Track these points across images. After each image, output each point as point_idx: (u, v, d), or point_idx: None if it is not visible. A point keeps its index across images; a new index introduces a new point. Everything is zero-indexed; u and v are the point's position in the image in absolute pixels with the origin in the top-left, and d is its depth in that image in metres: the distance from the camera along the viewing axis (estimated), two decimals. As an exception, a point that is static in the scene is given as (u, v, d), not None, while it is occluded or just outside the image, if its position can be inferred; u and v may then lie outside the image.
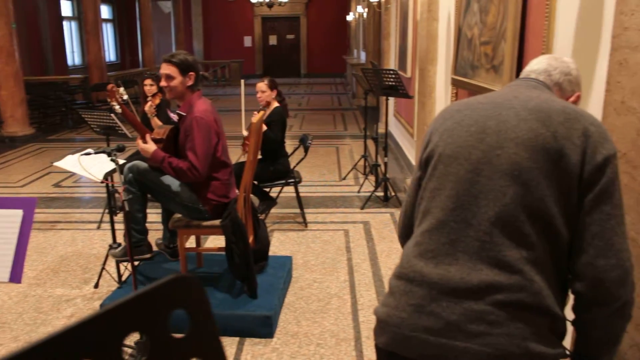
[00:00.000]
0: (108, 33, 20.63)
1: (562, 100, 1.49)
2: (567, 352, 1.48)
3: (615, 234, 1.32)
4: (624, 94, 2.00)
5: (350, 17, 19.50)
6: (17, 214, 2.44)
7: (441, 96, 5.54)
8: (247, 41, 23.23)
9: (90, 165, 3.45)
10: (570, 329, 1.47)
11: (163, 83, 3.32)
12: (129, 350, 3.05)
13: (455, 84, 4.76)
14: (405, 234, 1.63)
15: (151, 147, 3.30)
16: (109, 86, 3.37)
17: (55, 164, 3.71)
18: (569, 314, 1.46)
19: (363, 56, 15.01)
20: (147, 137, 3.32)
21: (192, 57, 3.39)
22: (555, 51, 2.96)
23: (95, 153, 3.20)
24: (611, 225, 1.32)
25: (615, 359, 1.51)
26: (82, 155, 3.24)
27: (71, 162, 3.51)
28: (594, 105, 2.40)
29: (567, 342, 1.52)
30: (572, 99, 1.61)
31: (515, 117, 1.41)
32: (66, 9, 18.19)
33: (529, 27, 3.33)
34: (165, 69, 3.33)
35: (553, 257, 1.36)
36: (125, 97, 3.46)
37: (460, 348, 1.32)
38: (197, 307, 0.54)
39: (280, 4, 19.52)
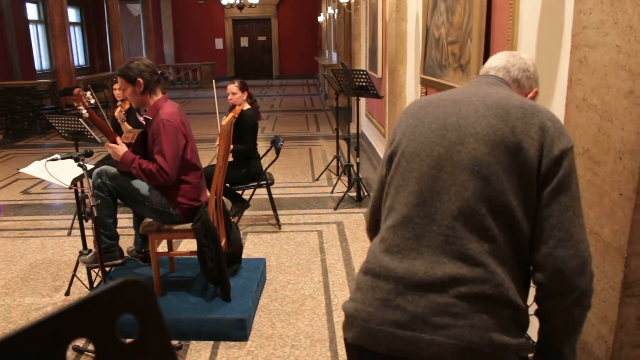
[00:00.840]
0: (76, 37, 20.35)
1: (520, 96, 1.52)
2: (531, 342, 1.51)
3: (573, 225, 1.36)
4: (585, 91, 2.04)
5: (321, 18, 19.53)
6: (-19, 222, 2.40)
7: (411, 96, 5.59)
8: (219, 43, 23.12)
9: (57, 171, 3.40)
10: (534, 320, 1.50)
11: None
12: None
13: (424, 83, 4.81)
14: (374, 229, 1.65)
15: (122, 148, 3.26)
16: (76, 90, 3.32)
17: (22, 170, 3.64)
18: (534, 306, 1.49)
19: (334, 57, 15.05)
20: (118, 139, 3.29)
21: (137, 64, 3.32)
22: (520, 49, 3.01)
23: (62, 158, 3.15)
24: (569, 217, 1.36)
25: (577, 349, 1.54)
26: (48, 161, 3.19)
27: (38, 169, 3.44)
28: (556, 102, 2.44)
29: (533, 333, 1.55)
30: (530, 94, 1.66)
31: (475, 113, 1.44)
32: (32, 12, 17.89)
33: (494, 26, 3.38)
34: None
35: (514, 250, 1.39)
36: (93, 101, 3.41)
37: (426, 340, 1.34)
38: (146, 311, 0.54)
39: (250, 5, 19.48)
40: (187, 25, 22.64)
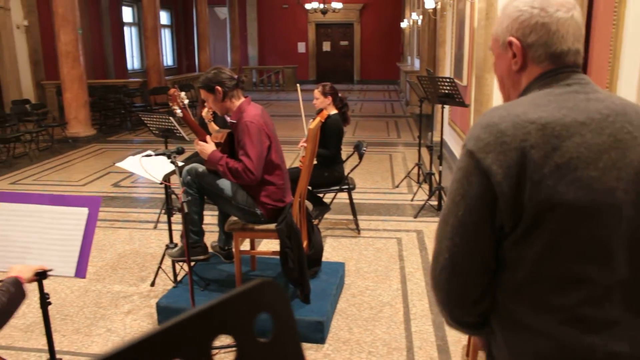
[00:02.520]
0: (166, 38, 21.18)
1: (617, 96, 1.29)
2: None
3: None
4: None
5: (404, 24, 19.39)
6: (83, 212, 2.52)
7: (498, 105, 5.44)
8: (301, 47, 23.41)
9: (150, 167, 3.54)
10: None
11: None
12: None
13: (514, 92, 4.66)
14: (475, 296, 1.26)
15: (210, 147, 3.36)
16: (171, 90, 3.45)
17: (117, 164, 3.82)
18: None
19: (417, 63, 14.89)
20: (208, 138, 3.39)
21: (214, 73, 3.43)
22: (623, 58, 2.86)
23: (156, 155, 3.27)
24: None
25: None
26: (143, 156, 3.32)
27: (132, 163, 3.60)
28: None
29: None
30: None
31: (632, 138, 1.18)
32: (127, 15, 18.80)
33: (595, 33, 3.23)
34: (201, 93, 3.50)
35: None
36: (186, 101, 3.53)
37: None
38: (281, 312, 0.54)
39: (334, 10, 19.62)
40: (271, 28, 23.09)
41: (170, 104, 3.45)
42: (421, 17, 13.54)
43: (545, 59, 1.24)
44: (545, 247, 1.16)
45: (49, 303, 2.68)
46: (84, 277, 2.49)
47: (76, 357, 3.31)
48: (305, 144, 4.77)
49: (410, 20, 16.69)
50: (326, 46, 23.68)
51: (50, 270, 2.31)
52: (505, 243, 1.20)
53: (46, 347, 3.40)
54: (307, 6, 19.96)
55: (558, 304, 1.17)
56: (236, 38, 20.22)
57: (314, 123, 3.52)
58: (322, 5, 18.97)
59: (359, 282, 4.20)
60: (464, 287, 1.23)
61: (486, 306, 1.26)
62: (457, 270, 1.21)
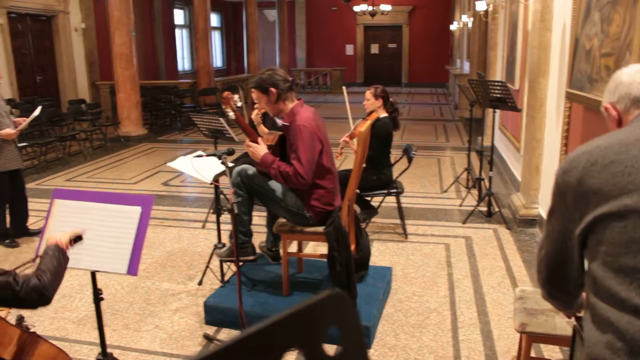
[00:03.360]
0: (216, 40, 21.51)
1: None
2: None
3: None
4: None
5: (454, 27, 19.14)
6: (136, 210, 2.57)
7: (552, 110, 5.29)
8: (349, 49, 23.39)
9: (200, 167, 3.59)
10: None
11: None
12: None
13: (570, 97, 4.53)
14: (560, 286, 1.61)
15: (262, 149, 3.37)
16: (225, 93, 3.49)
17: (169, 164, 3.88)
18: None
19: (467, 66, 14.67)
20: (260, 140, 3.41)
21: (268, 74, 3.42)
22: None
23: (206, 156, 3.31)
24: None
25: None
26: (194, 157, 3.36)
27: (183, 163, 3.66)
28: None
29: None
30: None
31: None
32: (179, 17, 19.18)
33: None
34: (254, 93, 3.49)
35: None
36: (240, 104, 3.57)
37: None
38: (350, 324, 0.52)
39: (382, 12, 19.53)
40: (319, 30, 23.16)
41: (224, 107, 3.48)
42: (472, 19, 13.33)
43: None
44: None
45: (102, 299, 2.75)
46: (135, 274, 2.53)
47: (125, 352, 3.37)
48: (347, 139, 4.77)
49: (460, 22, 16.46)
50: (374, 48, 23.59)
51: (83, 233, 2.35)
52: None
53: (97, 341, 3.48)
54: (356, 8, 19.92)
55: (624, 296, 1.34)
56: (285, 40, 20.36)
57: (365, 126, 3.49)
58: (370, 8, 18.91)
59: (406, 288, 4.15)
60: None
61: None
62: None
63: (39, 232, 5.30)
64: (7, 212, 5.33)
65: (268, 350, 0.47)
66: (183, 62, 19.49)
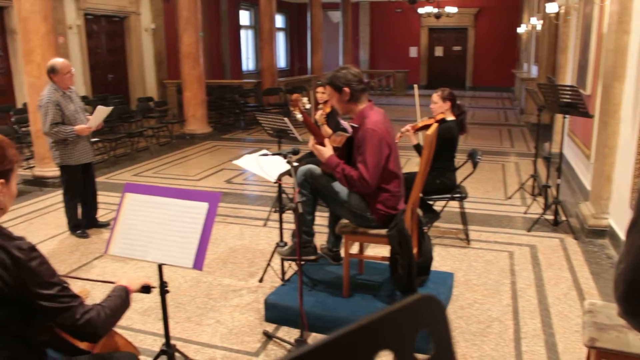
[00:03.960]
0: (280, 41, 21.74)
1: None
2: None
3: None
4: None
5: (521, 29, 18.65)
6: (203, 206, 2.63)
7: (627, 116, 5.08)
8: (413, 52, 23.17)
9: (265, 166, 3.63)
10: None
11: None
12: None
13: (648, 103, 4.33)
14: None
15: (328, 151, 3.37)
16: (295, 96, 3.52)
17: (234, 162, 3.95)
18: None
19: (534, 70, 14.27)
20: (327, 141, 3.41)
21: (344, 73, 3.35)
22: None
23: (272, 155, 3.35)
24: None
25: None
26: (260, 155, 3.41)
27: (249, 162, 3.71)
28: None
29: None
30: None
31: None
32: (244, 18, 19.50)
33: None
34: (326, 89, 3.48)
35: None
36: (308, 106, 3.59)
37: None
38: (441, 329, 0.51)
39: (448, 15, 19.25)
40: (383, 32, 23.05)
41: (292, 109, 3.51)
42: (541, 21, 12.95)
43: None
44: None
45: (167, 291, 2.81)
46: (200, 269, 2.58)
47: (187, 344, 3.45)
48: (410, 129, 4.74)
49: (529, 25, 16.03)
50: (438, 51, 23.27)
51: (153, 287, 2.40)
52: None
53: (160, 332, 3.58)
54: (420, 10, 19.71)
55: None
56: (348, 42, 20.36)
57: (431, 129, 3.44)
58: (435, 10, 18.68)
59: (468, 295, 4.07)
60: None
61: None
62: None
63: (107, 224, 5.51)
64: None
65: (357, 352, 0.46)
66: (247, 62, 19.80)
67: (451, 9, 19.16)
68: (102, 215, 5.80)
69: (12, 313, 1.74)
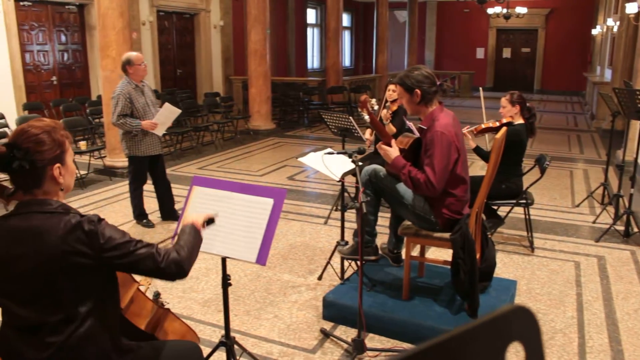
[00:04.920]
0: (345, 40, 21.75)
1: None
2: None
3: None
4: None
5: (595, 31, 17.96)
6: (268, 202, 2.65)
7: None
8: (480, 53, 22.70)
9: (329, 164, 3.64)
10: None
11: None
12: None
13: None
14: None
15: (394, 152, 3.33)
16: (364, 96, 3.51)
17: (299, 159, 3.98)
18: None
19: (608, 74, 13.72)
20: (393, 142, 3.38)
21: (416, 74, 3.28)
22: None
23: (337, 153, 3.35)
24: None
25: None
26: (325, 154, 3.42)
27: (314, 159, 3.73)
28: None
29: None
30: None
31: None
32: (311, 16, 19.61)
33: None
34: (397, 89, 3.42)
35: None
36: (376, 107, 3.57)
37: None
38: (534, 342, 0.50)
39: (518, 15, 18.75)
40: (449, 33, 22.69)
41: (360, 109, 3.50)
42: (618, 22, 12.44)
43: None
44: None
45: (230, 284, 2.87)
46: (264, 264, 2.61)
47: (245, 337, 3.50)
48: (474, 131, 4.65)
49: (604, 26, 15.42)
50: (506, 52, 22.70)
51: (216, 216, 2.43)
52: None
53: (219, 323, 3.66)
54: (489, 11, 19.27)
55: None
56: (414, 42, 20.15)
57: (500, 133, 3.36)
58: (505, 10, 18.22)
59: (530, 304, 3.96)
60: None
61: None
62: None
63: (180, 217, 5.65)
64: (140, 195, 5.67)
65: (452, 360, 0.45)
66: (312, 60, 19.91)
67: (521, 10, 18.65)
68: (168, 206, 5.95)
69: (95, 281, 1.85)
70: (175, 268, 1.93)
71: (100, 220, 1.86)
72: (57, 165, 1.84)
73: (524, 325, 0.49)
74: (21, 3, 9.54)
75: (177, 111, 5.46)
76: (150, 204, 5.82)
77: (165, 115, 5.36)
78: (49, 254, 1.76)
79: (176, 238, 2.11)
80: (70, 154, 1.93)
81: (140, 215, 5.64)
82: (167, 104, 5.38)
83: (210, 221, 2.37)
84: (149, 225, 5.59)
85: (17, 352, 1.81)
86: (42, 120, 1.89)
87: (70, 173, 1.94)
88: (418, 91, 3.26)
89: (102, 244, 1.80)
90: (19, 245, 1.78)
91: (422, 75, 3.29)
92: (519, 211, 5.20)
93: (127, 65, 5.22)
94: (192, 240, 2.09)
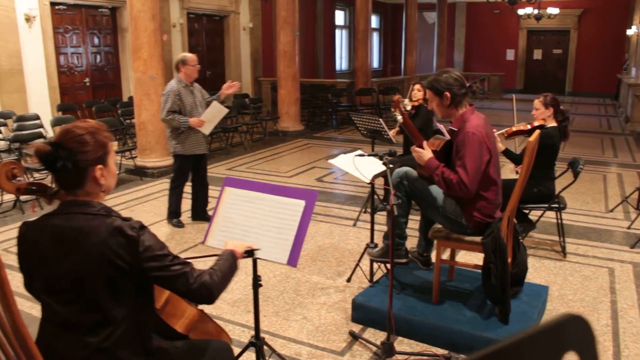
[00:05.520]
0: (373, 41, 21.70)
1: None
2: None
3: None
4: None
5: (631, 32, 17.60)
6: (300, 204, 2.66)
7: None
8: (510, 54, 22.43)
9: (360, 166, 3.64)
10: None
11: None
12: None
13: None
14: None
15: (427, 153, 3.32)
16: (396, 97, 3.50)
17: (330, 161, 3.98)
18: None
19: (643, 76, 13.44)
20: (425, 144, 3.36)
21: (445, 77, 3.29)
22: None
23: (368, 155, 3.34)
24: None
25: None
26: (356, 156, 3.41)
27: (344, 161, 3.73)
28: None
29: None
30: None
31: None
32: (339, 18, 19.63)
33: None
34: (427, 93, 3.42)
35: None
36: (409, 107, 3.56)
37: None
38: (589, 351, 0.49)
39: (549, 16, 18.48)
40: (479, 34, 22.47)
41: (393, 110, 3.49)
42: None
43: None
44: None
45: (260, 285, 2.88)
46: (295, 265, 2.62)
47: (273, 338, 3.51)
48: (504, 134, 4.60)
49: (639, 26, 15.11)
50: (537, 54, 22.40)
51: (257, 250, 2.46)
52: None
53: (248, 324, 3.68)
54: (520, 12, 19.02)
55: None
56: (443, 43, 20.00)
57: (534, 136, 3.32)
58: (536, 11, 17.97)
59: (562, 310, 3.89)
60: None
61: None
62: None
63: (212, 218, 5.69)
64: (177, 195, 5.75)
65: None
66: (341, 61, 19.92)
67: (553, 10, 18.37)
68: (201, 207, 5.99)
69: (131, 286, 1.86)
70: (205, 292, 1.94)
71: (143, 227, 1.87)
72: (100, 166, 1.87)
73: (579, 335, 0.49)
74: (57, 7, 9.74)
75: (224, 110, 5.51)
76: (182, 203, 5.86)
77: (213, 114, 5.41)
78: (90, 255, 1.78)
79: (214, 262, 2.13)
80: (113, 156, 1.96)
81: (173, 213, 5.68)
82: (215, 103, 5.42)
83: (250, 252, 2.40)
84: (179, 225, 5.64)
85: (55, 349, 1.85)
86: (87, 121, 1.92)
87: (112, 175, 1.96)
88: (448, 94, 3.26)
89: (141, 252, 1.82)
90: (61, 244, 1.81)
91: (451, 77, 3.29)
92: (550, 215, 5.13)
93: (180, 64, 5.29)
94: (228, 268, 2.11)
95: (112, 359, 1.85)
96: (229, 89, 5.43)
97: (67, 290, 1.82)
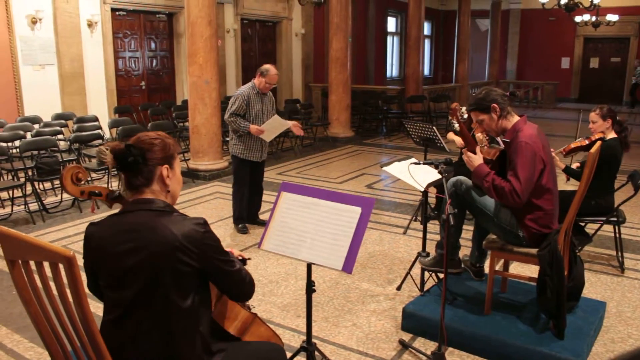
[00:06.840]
0: (425, 48, 21.55)
1: None
2: None
3: None
4: None
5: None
6: (356, 210, 2.67)
7: None
8: (565, 62, 21.88)
9: (415, 174, 3.63)
10: None
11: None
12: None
13: None
14: None
15: (478, 159, 3.31)
16: (453, 105, 3.50)
17: (384, 168, 3.98)
18: None
19: None
20: (478, 149, 3.35)
21: (484, 93, 3.35)
22: None
23: (423, 163, 3.34)
24: None
25: None
26: (411, 164, 3.41)
27: (399, 169, 3.73)
28: None
29: None
30: None
31: None
32: (391, 25, 19.58)
33: None
34: (474, 116, 3.42)
35: None
36: (465, 115, 3.54)
37: None
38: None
39: (608, 23, 17.96)
40: (533, 42, 22.01)
41: (450, 117, 3.49)
42: None
43: None
44: None
45: (314, 290, 2.91)
46: (350, 272, 2.63)
47: (323, 344, 3.53)
48: (562, 151, 4.51)
49: None
50: (593, 62, 21.77)
51: (249, 259, 2.53)
52: None
53: (298, 328, 3.71)
54: (577, 19, 18.56)
55: None
56: (496, 51, 19.72)
57: (595, 147, 3.25)
58: (594, 18, 17.50)
59: (620, 328, 3.78)
60: None
61: None
62: None
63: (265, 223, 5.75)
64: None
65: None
66: (391, 68, 19.86)
67: (612, 17, 17.84)
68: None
69: (194, 283, 1.94)
70: (253, 288, 2.15)
71: (206, 223, 1.96)
72: (166, 166, 1.99)
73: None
74: (117, 13, 10.07)
75: (286, 124, 5.54)
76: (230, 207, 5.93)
77: (273, 125, 5.46)
78: (158, 250, 1.85)
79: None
80: (179, 163, 2.09)
81: (238, 219, 5.74)
82: (276, 116, 5.48)
83: (243, 261, 2.47)
84: (244, 230, 5.65)
85: (117, 344, 1.91)
86: (157, 132, 2.08)
87: (177, 179, 2.07)
88: (495, 105, 3.28)
89: (207, 246, 1.91)
90: (129, 240, 1.89)
91: (491, 91, 3.37)
92: (607, 229, 4.99)
93: (260, 73, 5.38)
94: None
95: (175, 354, 1.91)
96: (295, 127, 5.55)
97: (133, 285, 1.89)
